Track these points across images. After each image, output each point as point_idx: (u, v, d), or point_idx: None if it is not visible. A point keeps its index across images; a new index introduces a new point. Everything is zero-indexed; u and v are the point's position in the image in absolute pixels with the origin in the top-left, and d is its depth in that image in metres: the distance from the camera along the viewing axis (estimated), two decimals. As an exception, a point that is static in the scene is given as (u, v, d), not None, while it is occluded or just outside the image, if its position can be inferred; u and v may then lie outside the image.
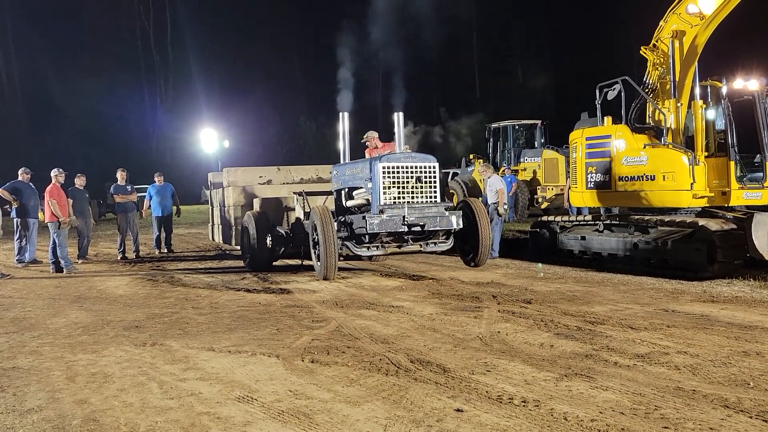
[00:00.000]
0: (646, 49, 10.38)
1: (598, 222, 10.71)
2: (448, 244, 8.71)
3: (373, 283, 9.17)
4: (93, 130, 49.93)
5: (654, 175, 9.72)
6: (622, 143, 10.25)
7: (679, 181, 9.46)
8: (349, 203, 9.36)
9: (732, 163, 9.51)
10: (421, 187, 8.43)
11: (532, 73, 50.75)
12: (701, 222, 9.02)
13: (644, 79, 10.44)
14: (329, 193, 10.94)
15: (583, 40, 45.49)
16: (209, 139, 44.05)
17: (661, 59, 10.15)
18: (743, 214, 9.22)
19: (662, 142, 9.79)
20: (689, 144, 9.77)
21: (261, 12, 57.49)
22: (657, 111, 10.12)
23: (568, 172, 12.45)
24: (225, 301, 8.21)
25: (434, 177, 8.48)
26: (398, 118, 9.31)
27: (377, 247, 8.45)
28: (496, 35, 52.84)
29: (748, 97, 9.71)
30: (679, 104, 9.87)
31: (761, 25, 28.68)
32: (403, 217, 8.07)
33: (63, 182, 12.09)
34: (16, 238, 12.75)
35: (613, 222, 10.44)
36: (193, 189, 44.39)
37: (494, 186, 12.03)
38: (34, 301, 8.65)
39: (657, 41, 10.20)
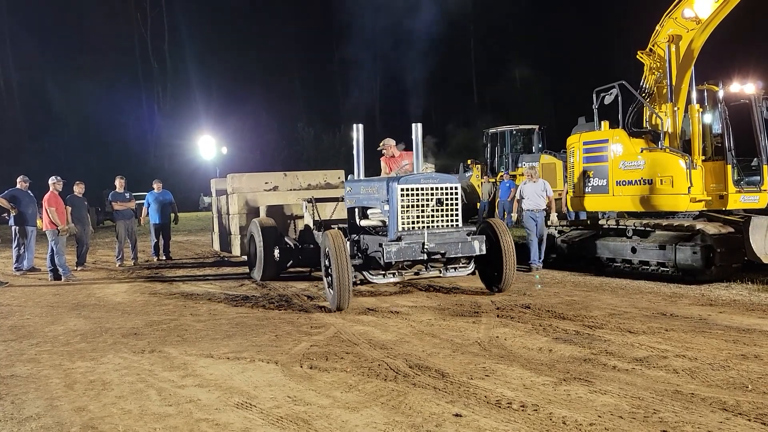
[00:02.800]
0: (642, 53, 10.42)
1: (596, 226, 10.72)
2: (470, 269, 8.12)
3: (372, 289, 9.17)
4: (91, 137, 50.00)
5: (651, 179, 9.74)
6: (619, 147, 10.27)
7: (676, 185, 9.47)
8: (364, 223, 8.69)
9: (729, 167, 9.54)
10: (442, 211, 7.79)
11: (530, 78, 50.88)
12: (699, 226, 9.03)
13: (641, 84, 10.47)
14: (339, 199, 10.38)
15: (580, 45, 45.62)
16: (207, 145, 44.17)
17: (658, 63, 10.19)
18: (741, 218, 9.25)
19: (659, 146, 9.81)
20: (686, 148, 9.79)
21: (259, 19, 57.66)
22: (654, 115, 10.16)
23: (566, 176, 12.47)
24: (223, 307, 8.20)
25: (455, 199, 7.86)
26: (416, 129, 8.55)
27: (394, 274, 7.83)
28: (494, 41, 52.99)
29: (745, 101, 9.77)
30: (675, 108, 9.90)
31: (757, 29, 28.80)
32: (423, 244, 7.48)
33: (61, 190, 12.09)
34: (14, 245, 12.73)
35: (611, 226, 10.45)
36: (191, 196, 44.45)
37: (548, 190, 10.97)
38: (32, 309, 8.63)
39: (653, 45, 10.24)
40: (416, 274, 7.97)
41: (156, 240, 14.54)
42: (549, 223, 11.17)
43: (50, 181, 11.95)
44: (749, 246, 8.64)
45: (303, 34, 58.08)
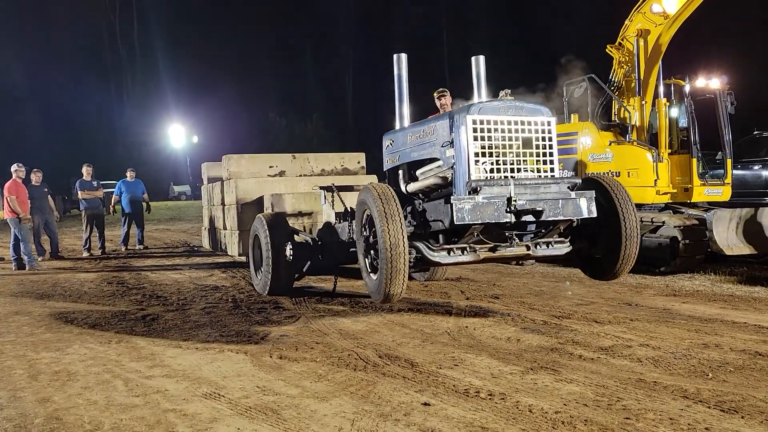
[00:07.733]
0: (611, 47, 10.57)
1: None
2: (567, 246, 5.87)
3: (342, 279, 9.14)
4: (58, 124, 49.02)
5: (619, 172, 9.89)
6: (588, 140, 10.42)
7: (643, 178, 9.64)
8: (411, 187, 6.38)
9: (694, 161, 9.74)
10: (531, 154, 5.54)
11: (500, 69, 51.14)
12: (664, 218, 9.21)
13: (610, 77, 10.63)
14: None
15: (551, 38, 45.99)
16: (177, 134, 43.65)
17: (627, 57, 10.34)
18: (704, 210, 9.46)
19: (627, 140, 9.98)
20: (653, 141, 9.97)
21: (229, 7, 56.98)
22: (622, 109, 10.31)
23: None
24: (192, 297, 8.13)
25: (550, 139, 5.63)
26: (477, 63, 6.50)
27: (463, 250, 5.55)
28: (465, 32, 53.17)
29: (710, 96, 9.98)
30: (643, 102, 10.06)
31: (723, 25, 29.36)
32: (509, 198, 5.17)
33: (23, 177, 11.83)
34: (-24, 234, 12.47)
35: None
36: (161, 185, 43.88)
37: None
38: (-5, 299, 8.46)
39: (622, 40, 10.39)
40: (493, 251, 5.65)
41: (126, 229, 14.34)
42: None
43: (12, 169, 11.67)
44: (713, 238, 8.85)
45: (274, 22, 57.54)
